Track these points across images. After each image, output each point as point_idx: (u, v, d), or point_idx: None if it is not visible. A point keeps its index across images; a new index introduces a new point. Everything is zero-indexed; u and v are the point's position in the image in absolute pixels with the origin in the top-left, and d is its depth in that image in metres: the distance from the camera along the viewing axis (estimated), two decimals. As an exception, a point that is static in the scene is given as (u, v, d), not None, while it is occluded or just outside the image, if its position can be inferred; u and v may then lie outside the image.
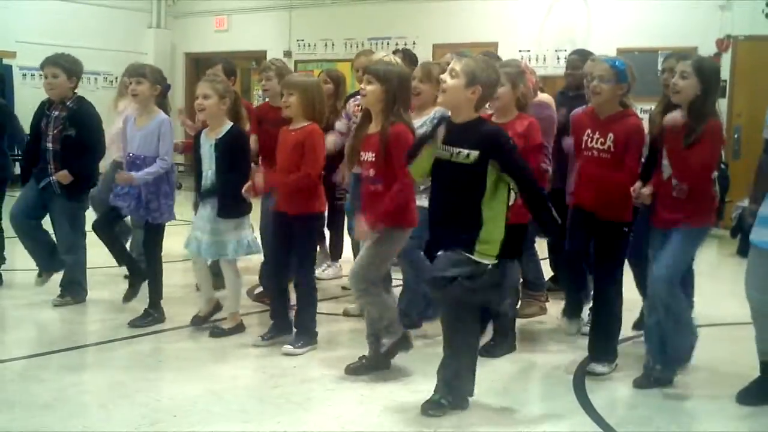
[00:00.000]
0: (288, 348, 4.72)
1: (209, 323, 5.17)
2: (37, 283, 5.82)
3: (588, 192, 4.47)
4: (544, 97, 5.43)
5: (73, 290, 5.70)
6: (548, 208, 3.81)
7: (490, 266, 3.78)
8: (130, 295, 5.47)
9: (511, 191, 3.85)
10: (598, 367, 4.51)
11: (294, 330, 4.85)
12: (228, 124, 4.97)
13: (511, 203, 3.91)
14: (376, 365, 4.36)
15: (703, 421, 4.07)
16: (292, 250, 4.81)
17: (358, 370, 4.43)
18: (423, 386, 4.17)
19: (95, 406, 3.91)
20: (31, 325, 5.37)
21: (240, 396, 4.09)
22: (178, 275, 6.19)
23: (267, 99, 6.05)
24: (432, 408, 3.87)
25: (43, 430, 3.61)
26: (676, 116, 4.22)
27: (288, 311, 4.98)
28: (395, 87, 4.20)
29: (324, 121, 4.88)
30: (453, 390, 3.91)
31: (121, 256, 5.54)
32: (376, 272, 4.32)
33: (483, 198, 3.75)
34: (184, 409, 3.88)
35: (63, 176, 5.46)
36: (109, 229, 5.44)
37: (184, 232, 5.73)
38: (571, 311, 4.84)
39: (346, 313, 5.63)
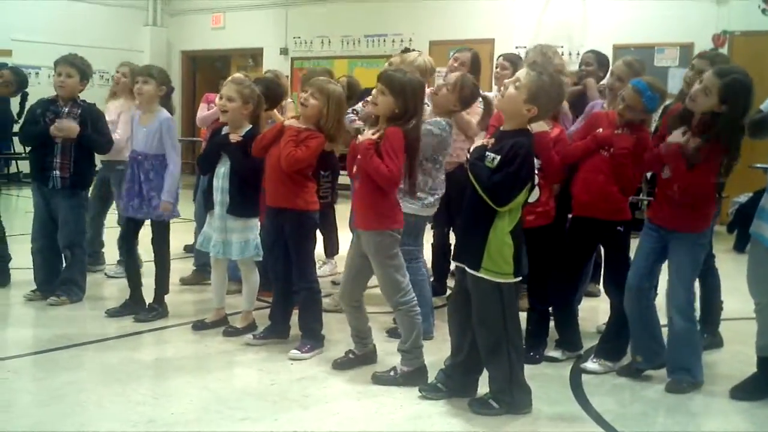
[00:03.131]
0: (294, 353, 4.65)
1: (209, 330, 5.15)
2: (26, 297, 5.76)
3: (585, 193, 4.50)
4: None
5: (70, 290, 5.68)
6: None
7: (501, 284, 3.77)
8: (117, 312, 5.43)
9: (535, 188, 3.88)
10: (591, 365, 4.53)
11: (300, 333, 4.80)
12: (247, 127, 4.96)
13: (532, 200, 3.91)
14: (376, 380, 4.26)
15: (700, 417, 4.07)
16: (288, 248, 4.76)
17: (344, 364, 4.45)
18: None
19: (92, 405, 3.90)
20: (27, 323, 5.36)
21: (237, 394, 4.09)
22: (176, 274, 6.18)
23: None
24: (478, 405, 3.88)
25: (39, 428, 3.60)
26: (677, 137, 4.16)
27: (288, 316, 4.96)
28: (409, 99, 4.10)
29: (331, 132, 4.66)
30: (501, 398, 3.88)
31: (132, 275, 5.52)
32: (394, 280, 4.23)
33: (497, 213, 3.73)
34: (181, 406, 3.88)
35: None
36: (134, 246, 5.49)
37: (181, 230, 5.74)
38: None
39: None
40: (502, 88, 3.91)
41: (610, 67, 5.32)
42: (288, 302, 4.94)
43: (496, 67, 5.96)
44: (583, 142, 4.54)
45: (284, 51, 14.32)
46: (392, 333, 4.89)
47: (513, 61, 5.91)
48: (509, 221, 3.76)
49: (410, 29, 12.71)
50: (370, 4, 13.37)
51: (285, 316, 4.94)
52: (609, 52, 10.00)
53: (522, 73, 3.81)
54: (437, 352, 4.48)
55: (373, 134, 4.08)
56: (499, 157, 3.70)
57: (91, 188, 6.08)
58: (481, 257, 3.75)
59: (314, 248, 4.88)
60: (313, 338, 4.73)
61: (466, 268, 3.82)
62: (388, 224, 4.20)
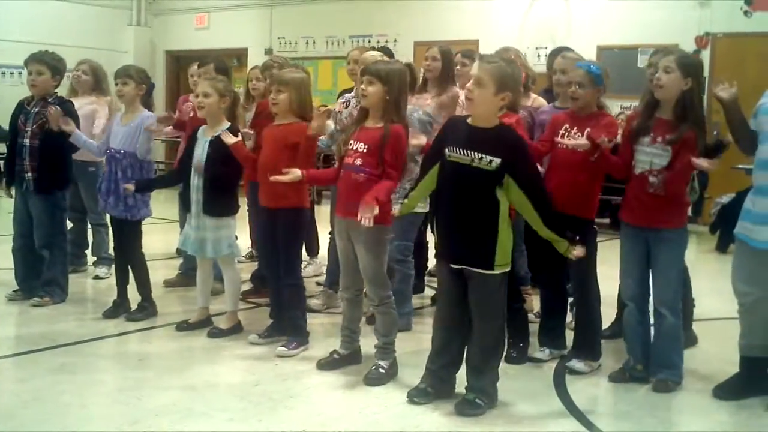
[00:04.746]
0: (282, 350, 4.70)
1: (194, 330, 5.14)
2: (8, 297, 5.73)
3: (563, 191, 4.50)
4: (542, 102, 5.44)
5: (53, 290, 5.65)
6: (560, 224, 3.84)
7: (504, 273, 3.85)
8: (112, 312, 5.41)
9: None
10: (577, 364, 4.53)
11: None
12: (226, 124, 4.96)
13: None
14: (369, 382, 4.25)
15: (682, 416, 4.11)
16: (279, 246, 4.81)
17: (329, 365, 4.46)
18: (404, 382, 4.20)
19: (75, 406, 3.87)
20: (9, 323, 5.32)
21: (221, 394, 4.08)
22: (160, 274, 6.16)
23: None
24: (469, 407, 3.87)
25: (21, 430, 3.58)
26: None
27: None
28: (397, 87, 4.18)
29: (307, 115, 4.82)
30: (487, 392, 3.93)
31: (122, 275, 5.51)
32: (382, 274, 4.30)
33: (500, 208, 3.75)
34: (165, 408, 3.86)
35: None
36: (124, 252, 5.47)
37: (164, 230, 5.72)
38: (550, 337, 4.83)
39: (309, 309, 5.63)
40: (466, 91, 3.89)
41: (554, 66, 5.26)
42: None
43: (456, 65, 5.89)
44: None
45: (269, 51, 14.26)
46: (371, 320, 4.84)
47: (471, 57, 5.85)
48: (507, 208, 3.79)
49: (395, 30, 12.71)
50: (354, 4, 13.36)
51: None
52: (593, 53, 10.06)
53: (478, 70, 3.81)
54: (417, 344, 4.50)
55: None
56: (499, 160, 3.70)
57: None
58: (494, 255, 3.77)
59: (302, 246, 4.91)
60: (299, 335, 4.78)
61: (478, 270, 3.81)
62: (388, 220, 4.24)
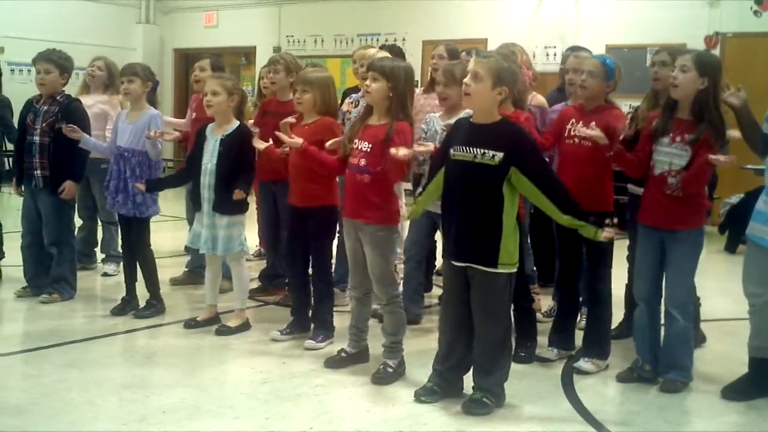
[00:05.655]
0: (310, 343, 4.78)
1: (202, 328, 5.14)
2: (17, 293, 5.75)
3: (577, 187, 4.47)
4: (541, 100, 5.43)
5: (62, 287, 5.67)
6: (579, 209, 3.81)
7: (509, 274, 3.84)
8: (120, 310, 5.43)
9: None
10: (585, 364, 4.52)
11: (312, 325, 4.92)
12: (235, 123, 4.99)
13: None
14: (376, 381, 4.25)
15: (692, 416, 4.09)
16: (308, 244, 4.87)
17: (336, 363, 4.47)
18: (411, 382, 4.20)
19: (83, 403, 3.88)
20: (18, 320, 5.34)
21: (229, 392, 4.09)
22: (168, 272, 6.18)
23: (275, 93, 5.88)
24: (476, 406, 3.86)
25: (29, 427, 3.59)
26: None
27: (308, 310, 5.02)
28: (402, 84, 4.18)
29: (337, 114, 4.95)
30: (494, 392, 3.92)
31: (134, 279, 5.51)
32: (390, 274, 4.31)
33: (504, 205, 3.75)
34: (172, 405, 3.87)
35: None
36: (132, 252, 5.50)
37: (171, 228, 5.72)
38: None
39: None
40: (463, 86, 3.87)
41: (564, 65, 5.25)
42: (308, 297, 5.02)
43: (432, 58, 5.86)
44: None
45: (277, 50, 14.25)
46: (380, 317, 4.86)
47: (471, 54, 5.82)
48: (512, 205, 3.78)
49: (403, 29, 12.71)
50: (363, 3, 13.36)
51: (306, 310, 5.03)
52: (602, 53, 10.01)
53: (474, 65, 3.80)
54: (425, 343, 4.49)
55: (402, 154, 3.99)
56: (502, 154, 3.70)
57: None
58: (497, 253, 3.76)
59: (333, 242, 4.95)
60: (326, 329, 4.87)
61: (481, 267, 3.80)
62: (395, 220, 4.24)
